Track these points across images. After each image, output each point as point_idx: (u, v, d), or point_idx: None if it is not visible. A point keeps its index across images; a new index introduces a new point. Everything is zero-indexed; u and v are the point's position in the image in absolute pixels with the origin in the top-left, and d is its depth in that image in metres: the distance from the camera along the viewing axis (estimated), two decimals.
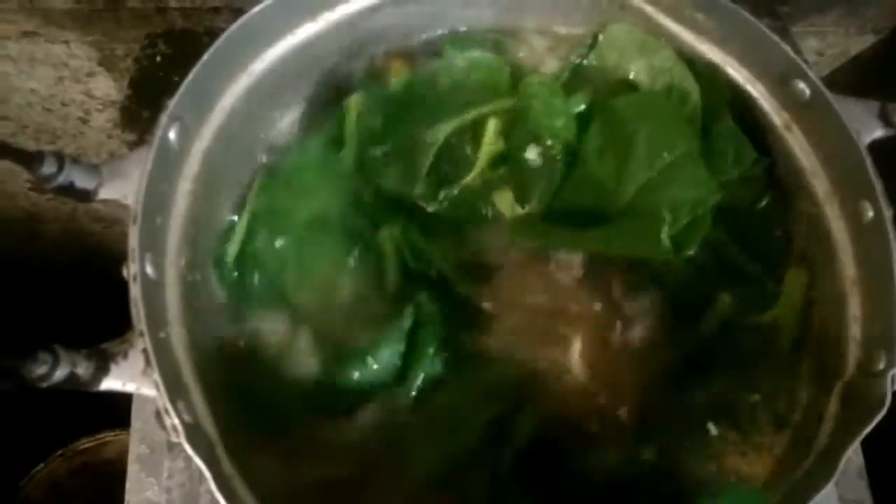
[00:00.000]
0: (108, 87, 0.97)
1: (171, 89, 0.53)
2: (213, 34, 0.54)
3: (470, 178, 0.62)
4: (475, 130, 0.62)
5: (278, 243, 0.60)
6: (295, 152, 0.64)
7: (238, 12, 0.56)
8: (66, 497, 1.12)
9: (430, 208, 0.61)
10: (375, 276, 0.59)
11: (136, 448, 0.64)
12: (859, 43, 0.96)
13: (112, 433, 1.11)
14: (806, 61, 0.55)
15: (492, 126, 0.62)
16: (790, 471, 0.49)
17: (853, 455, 0.70)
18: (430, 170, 0.60)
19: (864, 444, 0.65)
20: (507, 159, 0.62)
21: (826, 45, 0.96)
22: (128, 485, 0.62)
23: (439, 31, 0.68)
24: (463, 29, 0.68)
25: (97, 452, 1.12)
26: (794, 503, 0.42)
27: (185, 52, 0.85)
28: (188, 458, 0.61)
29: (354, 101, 0.64)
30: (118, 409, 0.66)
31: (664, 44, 0.60)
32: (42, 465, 1.11)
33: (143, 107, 0.83)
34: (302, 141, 0.65)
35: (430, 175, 0.61)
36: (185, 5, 0.86)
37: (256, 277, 0.60)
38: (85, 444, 1.12)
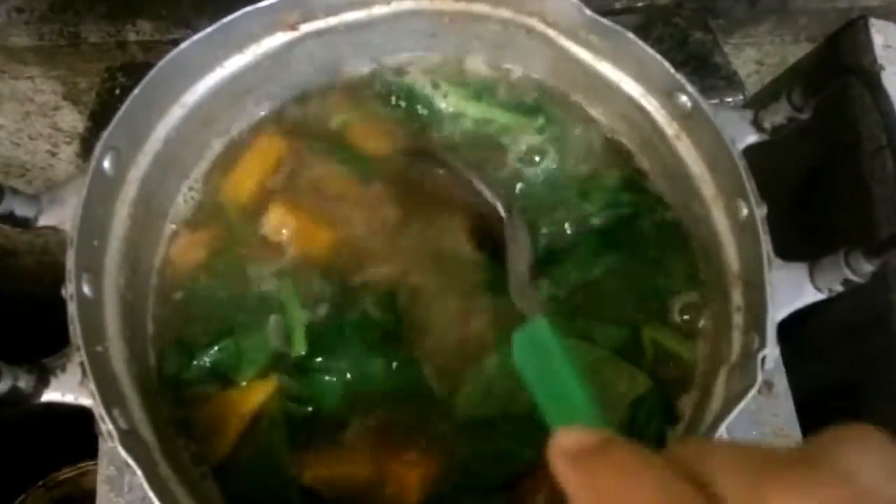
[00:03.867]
0: (73, 120, 1.00)
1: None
2: None
3: None
4: None
5: None
6: None
7: None
8: None
9: None
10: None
11: (105, 469, 0.67)
12: (797, 51, 1.01)
13: (92, 462, 1.10)
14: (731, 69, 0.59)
15: None
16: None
17: (795, 445, 0.75)
18: None
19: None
20: None
21: (764, 54, 1.01)
22: None
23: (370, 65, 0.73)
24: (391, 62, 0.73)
25: (77, 483, 1.14)
26: None
27: None
28: None
29: None
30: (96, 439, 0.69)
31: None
32: (24, 495, 1.12)
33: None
34: None
35: None
36: (145, 38, 0.91)
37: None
38: (65, 473, 1.13)
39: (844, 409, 0.84)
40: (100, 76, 0.89)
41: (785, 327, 0.52)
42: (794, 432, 0.75)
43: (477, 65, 0.74)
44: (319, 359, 0.62)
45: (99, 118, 0.87)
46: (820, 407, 0.76)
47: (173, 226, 0.67)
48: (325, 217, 0.67)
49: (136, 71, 0.89)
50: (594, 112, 0.72)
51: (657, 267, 0.66)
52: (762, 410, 0.74)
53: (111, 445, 0.49)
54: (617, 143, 0.71)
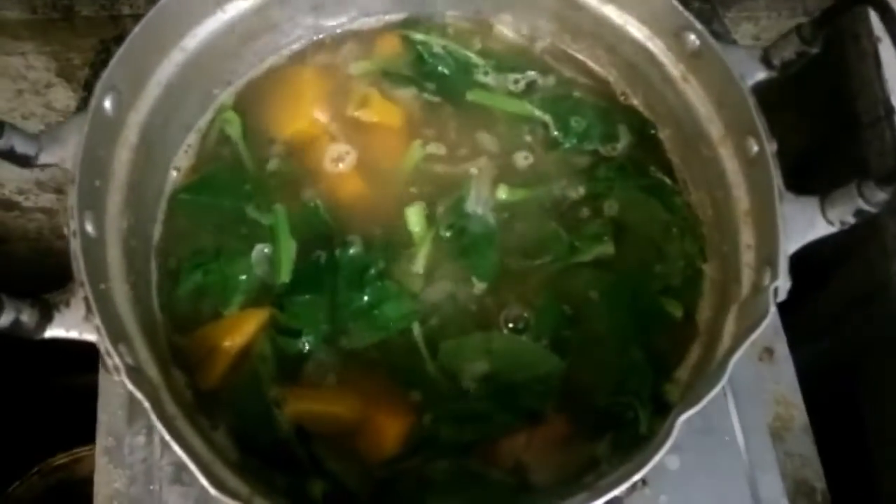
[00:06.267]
0: (67, 99, 0.98)
1: None
2: None
3: None
4: None
5: None
6: None
7: None
8: None
9: None
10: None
11: (104, 440, 0.66)
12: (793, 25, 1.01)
13: (86, 448, 1.09)
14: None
15: None
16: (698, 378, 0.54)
17: (796, 413, 0.75)
18: None
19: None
20: None
21: (760, 29, 1.00)
22: (96, 477, 0.64)
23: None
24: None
25: (72, 470, 1.12)
26: (692, 400, 0.46)
27: None
28: (148, 432, 0.66)
29: None
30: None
31: None
32: (19, 482, 1.10)
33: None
34: None
35: None
36: (139, 12, 0.88)
37: None
38: (60, 459, 1.12)
39: (846, 391, 0.84)
40: (94, 50, 0.87)
41: (784, 305, 0.52)
42: (795, 399, 0.75)
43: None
44: (307, 295, 0.62)
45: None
46: (821, 388, 0.76)
47: (175, 173, 0.66)
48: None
49: None
50: (597, 66, 0.72)
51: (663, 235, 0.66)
52: (764, 378, 0.74)
53: (117, 379, 0.48)
54: (622, 96, 0.71)
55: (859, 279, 0.87)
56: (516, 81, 0.72)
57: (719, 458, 0.70)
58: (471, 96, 0.71)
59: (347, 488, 0.56)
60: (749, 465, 0.70)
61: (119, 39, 0.89)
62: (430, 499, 0.56)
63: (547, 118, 0.70)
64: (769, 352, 0.77)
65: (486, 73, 0.72)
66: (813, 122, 0.97)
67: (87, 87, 0.89)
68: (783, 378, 0.75)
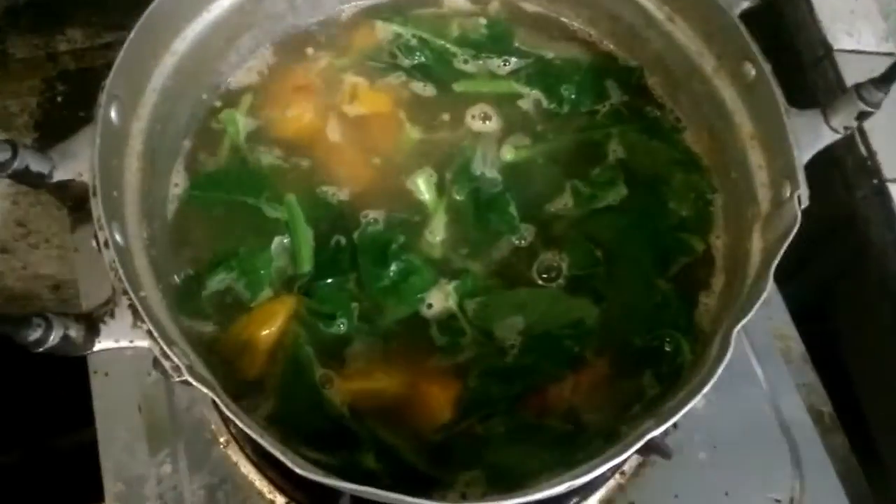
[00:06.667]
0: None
1: (76, 125, 0.55)
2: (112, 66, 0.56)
3: None
4: None
5: None
6: None
7: None
8: None
9: None
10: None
11: (112, 487, 0.66)
12: None
13: None
14: None
15: None
16: (731, 304, 0.56)
17: (794, 344, 0.78)
18: None
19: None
20: None
21: None
22: None
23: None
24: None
25: None
26: (743, 311, 0.49)
27: (87, 88, 0.85)
28: (174, 459, 0.66)
29: None
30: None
31: None
32: None
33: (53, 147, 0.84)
34: None
35: None
36: (76, 47, 0.88)
37: None
38: None
39: (817, 332, 0.88)
40: (33, 93, 0.87)
41: None
42: (791, 332, 0.79)
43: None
44: (331, 279, 0.63)
45: (46, 128, 0.86)
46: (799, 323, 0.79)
47: (179, 178, 0.66)
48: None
49: (73, 78, 0.88)
50: (580, 25, 0.74)
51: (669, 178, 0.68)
52: (758, 319, 0.73)
53: (176, 380, 0.47)
54: (606, 52, 0.73)
55: (825, 214, 0.91)
56: (500, 66, 0.74)
57: (741, 390, 0.74)
58: (458, 87, 0.72)
59: (404, 459, 0.57)
60: (770, 392, 0.74)
61: (64, 75, 0.89)
62: (489, 455, 0.57)
63: (537, 93, 0.72)
64: None
65: (465, 62, 0.73)
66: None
67: (38, 128, 0.88)
68: (776, 313, 0.79)
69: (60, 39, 0.89)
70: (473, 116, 0.70)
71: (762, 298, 0.49)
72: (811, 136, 0.55)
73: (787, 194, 0.54)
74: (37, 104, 0.89)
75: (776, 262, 0.51)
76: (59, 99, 0.90)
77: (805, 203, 0.53)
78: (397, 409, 0.59)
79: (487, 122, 0.70)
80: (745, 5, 0.61)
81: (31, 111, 0.89)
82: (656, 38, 0.67)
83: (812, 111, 0.56)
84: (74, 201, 0.77)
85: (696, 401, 0.48)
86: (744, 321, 0.48)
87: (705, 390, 0.47)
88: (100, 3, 0.89)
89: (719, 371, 0.48)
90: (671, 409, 0.49)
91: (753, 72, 0.58)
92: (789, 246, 0.51)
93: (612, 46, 0.73)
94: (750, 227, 0.59)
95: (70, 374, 0.66)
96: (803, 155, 0.54)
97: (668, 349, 0.60)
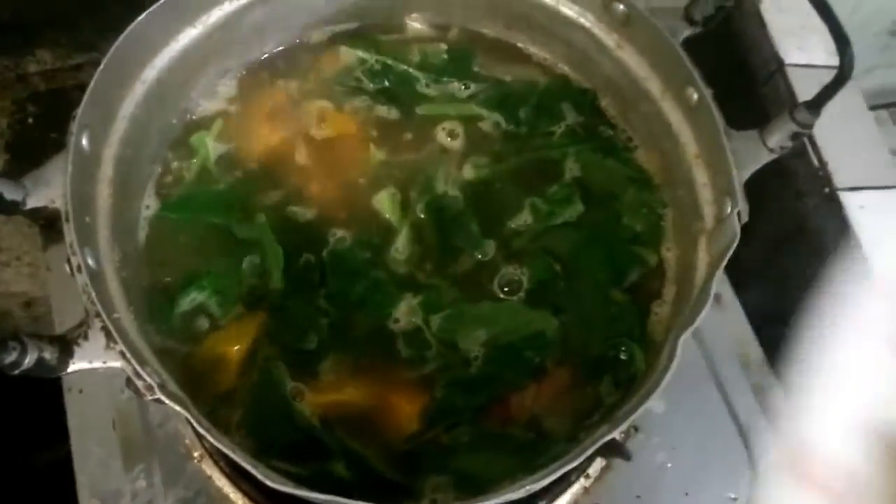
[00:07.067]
0: None
1: (48, 147, 0.56)
2: (83, 88, 0.58)
3: None
4: None
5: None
6: None
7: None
8: None
9: None
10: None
11: (88, 502, 0.67)
12: None
13: None
14: None
15: None
16: (680, 313, 0.59)
17: (752, 349, 0.81)
18: None
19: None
20: None
21: None
22: None
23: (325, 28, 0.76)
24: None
25: None
26: (687, 321, 0.52)
27: (58, 109, 0.88)
28: (148, 474, 0.68)
29: None
30: None
31: None
32: None
33: (24, 168, 0.85)
34: None
35: None
36: (46, 68, 0.89)
37: None
38: None
39: (781, 335, 0.92)
40: (3, 116, 0.87)
41: None
42: (748, 336, 0.83)
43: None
44: (301, 296, 0.65)
45: (17, 150, 0.87)
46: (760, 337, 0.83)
47: (149, 201, 0.68)
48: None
49: (44, 99, 0.89)
50: (536, 50, 0.77)
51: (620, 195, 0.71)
52: (716, 325, 0.81)
53: (149, 398, 0.49)
54: (561, 75, 0.77)
55: (780, 223, 0.95)
56: (461, 89, 0.77)
57: (699, 394, 0.77)
58: (421, 111, 0.75)
59: (373, 468, 0.59)
60: (727, 395, 0.78)
61: (34, 96, 0.89)
62: (455, 463, 0.60)
63: (496, 115, 0.75)
64: (717, 297, 0.84)
65: (427, 86, 0.76)
66: (717, 79, 1.05)
67: (9, 149, 0.89)
68: (734, 320, 0.83)
69: (30, 60, 0.90)
70: (443, 129, 0.73)
71: (706, 309, 0.52)
72: (750, 156, 0.59)
73: (728, 210, 0.57)
74: (7, 125, 0.90)
75: (718, 274, 0.54)
76: (29, 120, 0.91)
77: (745, 219, 0.56)
78: (367, 419, 0.61)
79: (452, 141, 0.73)
80: (687, 33, 0.64)
81: (2, 132, 0.90)
82: (607, 63, 0.71)
83: (750, 132, 0.60)
84: (46, 220, 0.78)
85: (647, 406, 0.51)
86: (690, 330, 0.51)
87: (654, 396, 0.50)
88: (69, 24, 0.89)
89: (667, 378, 0.51)
90: (624, 414, 0.52)
91: (696, 96, 0.61)
92: (748, 254, 0.54)
93: (566, 69, 0.77)
94: (696, 241, 0.62)
95: (44, 392, 0.68)
96: (743, 174, 0.58)
97: (623, 357, 0.64)
